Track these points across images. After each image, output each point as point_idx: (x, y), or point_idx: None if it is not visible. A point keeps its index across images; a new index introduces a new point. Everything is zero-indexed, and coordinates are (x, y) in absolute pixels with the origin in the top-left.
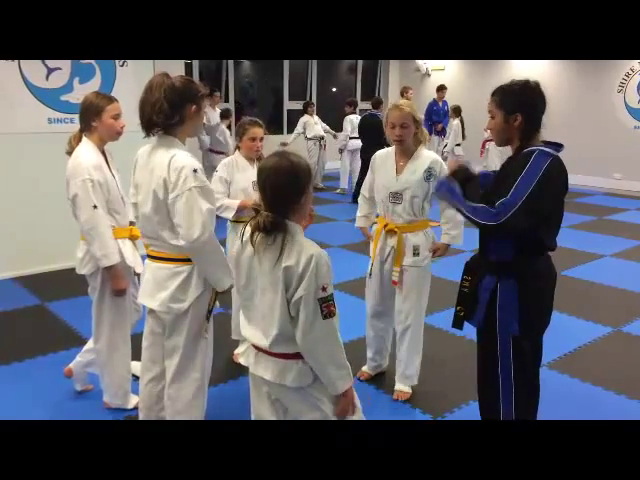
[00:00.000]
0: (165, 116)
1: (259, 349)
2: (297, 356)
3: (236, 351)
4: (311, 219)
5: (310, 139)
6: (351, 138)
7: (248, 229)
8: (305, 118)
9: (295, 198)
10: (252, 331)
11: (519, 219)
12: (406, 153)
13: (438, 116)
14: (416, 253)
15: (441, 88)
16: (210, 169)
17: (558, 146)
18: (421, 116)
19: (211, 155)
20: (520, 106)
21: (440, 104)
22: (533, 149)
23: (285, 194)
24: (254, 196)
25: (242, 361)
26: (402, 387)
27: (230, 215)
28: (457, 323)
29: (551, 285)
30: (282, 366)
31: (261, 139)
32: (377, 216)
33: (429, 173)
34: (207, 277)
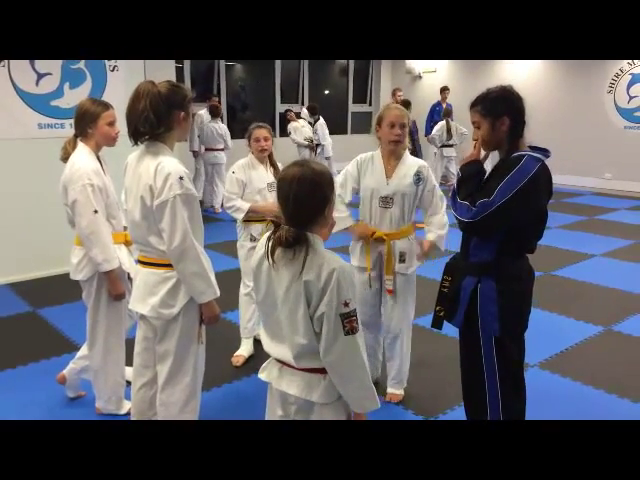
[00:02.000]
0: (151, 126)
1: (283, 363)
2: (323, 371)
3: (236, 353)
4: (331, 229)
5: (299, 144)
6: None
7: (269, 244)
8: (293, 124)
9: (319, 209)
10: (275, 346)
11: (493, 220)
12: (395, 156)
13: (440, 117)
14: (402, 259)
15: (444, 89)
16: (210, 168)
17: (545, 151)
18: (423, 117)
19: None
20: (505, 109)
21: (444, 105)
22: (523, 154)
23: (309, 205)
24: (270, 198)
25: (263, 377)
26: (394, 390)
27: (240, 216)
28: (436, 323)
29: (530, 286)
30: (308, 380)
31: (265, 139)
32: (357, 221)
33: (418, 177)
34: (187, 288)
